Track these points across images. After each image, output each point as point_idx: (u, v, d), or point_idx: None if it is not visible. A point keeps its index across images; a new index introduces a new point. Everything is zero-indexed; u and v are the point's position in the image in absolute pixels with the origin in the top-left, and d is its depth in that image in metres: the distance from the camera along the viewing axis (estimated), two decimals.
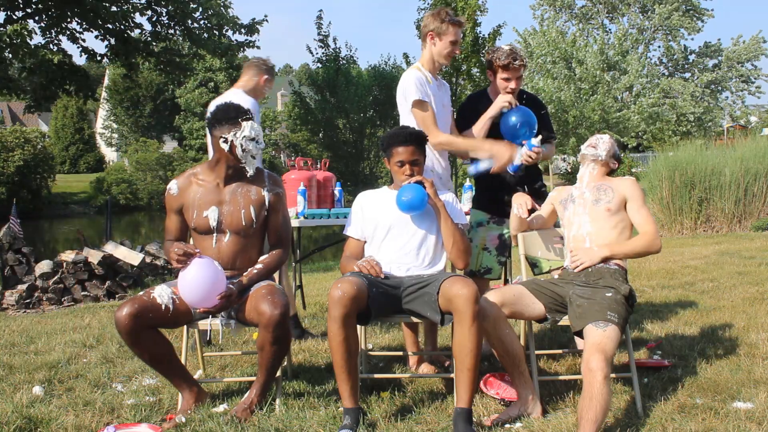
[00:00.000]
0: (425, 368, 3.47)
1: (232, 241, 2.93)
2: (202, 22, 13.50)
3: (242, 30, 13.81)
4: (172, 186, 2.99)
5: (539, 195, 3.47)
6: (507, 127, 3.31)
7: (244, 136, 2.90)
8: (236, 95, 4.07)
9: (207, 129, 3.00)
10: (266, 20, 14.05)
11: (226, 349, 3.83)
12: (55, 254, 6.59)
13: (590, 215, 2.98)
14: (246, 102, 4.07)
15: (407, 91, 3.32)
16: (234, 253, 2.94)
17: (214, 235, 2.93)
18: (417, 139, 2.97)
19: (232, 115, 2.92)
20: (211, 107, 4.10)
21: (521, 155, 3.23)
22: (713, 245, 8.57)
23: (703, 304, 4.82)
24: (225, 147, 2.89)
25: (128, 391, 3.14)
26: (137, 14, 12.81)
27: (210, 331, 2.86)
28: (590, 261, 2.90)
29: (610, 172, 3.11)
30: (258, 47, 14.16)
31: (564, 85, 22.11)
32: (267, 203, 2.97)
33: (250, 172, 2.94)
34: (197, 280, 2.68)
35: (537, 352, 3.08)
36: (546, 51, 22.47)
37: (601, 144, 3.09)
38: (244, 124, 2.92)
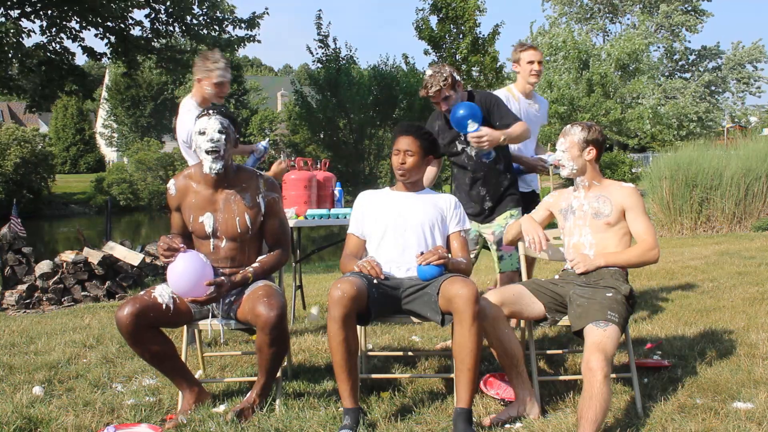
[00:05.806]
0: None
1: (229, 246, 2.92)
2: (201, 18, 13.43)
3: (242, 25, 13.66)
4: (171, 186, 2.97)
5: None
6: (455, 119, 3.45)
7: (196, 131, 2.82)
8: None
9: None
10: (267, 13, 13.78)
11: (226, 349, 3.83)
12: (55, 254, 6.58)
13: (591, 227, 2.99)
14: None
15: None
16: (232, 256, 2.94)
17: (211, 240, 2.92)
18: (417, 132, 3.00)
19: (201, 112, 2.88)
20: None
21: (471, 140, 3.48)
22: (713, 245, 8.57)
23: (703, 304, 4.82)
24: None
25: (128, 391, 3.14)
26: (136, 10, 12.78)
27: (210, 331, 2.86)
28: (586, 267, 2.92)
29: (599, 156, 3.02)
30: (259, 41, 13.90)
31: (573, 83, 22.18)
32: (262, 209, 2.94)
33: (205, 168, 2.83)
34: (183, 272, 2.69)
35: (537, 352, 3.08)
36: (560, 46, 22.67)
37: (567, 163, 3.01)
38: (197, 120, 2.86)
